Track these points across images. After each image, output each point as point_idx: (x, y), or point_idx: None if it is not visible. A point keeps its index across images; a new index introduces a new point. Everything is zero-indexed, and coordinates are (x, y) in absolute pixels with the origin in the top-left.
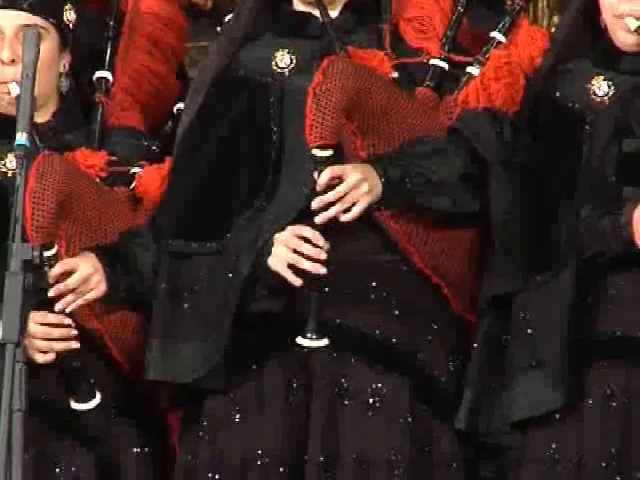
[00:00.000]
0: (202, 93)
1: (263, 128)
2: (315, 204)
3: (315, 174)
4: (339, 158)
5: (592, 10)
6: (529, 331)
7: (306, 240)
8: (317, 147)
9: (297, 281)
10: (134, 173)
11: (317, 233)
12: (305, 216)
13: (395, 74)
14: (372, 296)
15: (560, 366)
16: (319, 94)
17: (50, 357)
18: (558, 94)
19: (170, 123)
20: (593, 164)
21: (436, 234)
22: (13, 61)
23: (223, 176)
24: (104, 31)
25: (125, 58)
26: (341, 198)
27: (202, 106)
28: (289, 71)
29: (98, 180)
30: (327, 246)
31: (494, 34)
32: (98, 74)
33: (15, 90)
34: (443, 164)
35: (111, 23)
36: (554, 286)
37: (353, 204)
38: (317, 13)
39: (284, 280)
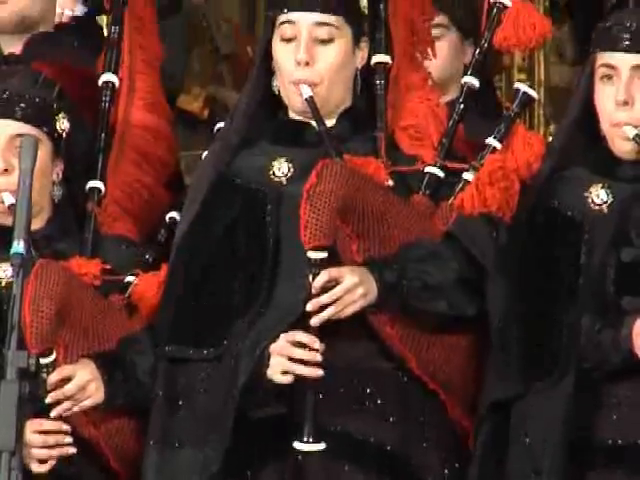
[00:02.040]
0: (198, 200)
1: (259, 234)
2: (310, 306)
3: (310, 276)
4: (334, 260)
5: (589, 118)
6: (527, 440)
7: (301, 344)
8: (312, 249)
9: (297, 385)
10: (128, 282)
11: (313, 337)
12: (302, 320)
13: (391, 182)
14: (367, 402)
15: (559, 475)
16: (313, 196)
17: (46, 467)
18: (556, 202)
19: (163, 232)
20: (591, 272)
21: (433, 339)
22: (6, 170)
23: (220, 281)
24: (96, 141)
25: (115, 170)
26: (336, 300)
27: (198, 213)
28: (286, 179)
29: (93, 289)
30: (322, 347)
31: (489, 140)
32: (90, 184)
33: (8, 200)
34: (439, 268)
35: (102, 135)
36: (553, 394)
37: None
38: (313, 122)
39: (283, 387)
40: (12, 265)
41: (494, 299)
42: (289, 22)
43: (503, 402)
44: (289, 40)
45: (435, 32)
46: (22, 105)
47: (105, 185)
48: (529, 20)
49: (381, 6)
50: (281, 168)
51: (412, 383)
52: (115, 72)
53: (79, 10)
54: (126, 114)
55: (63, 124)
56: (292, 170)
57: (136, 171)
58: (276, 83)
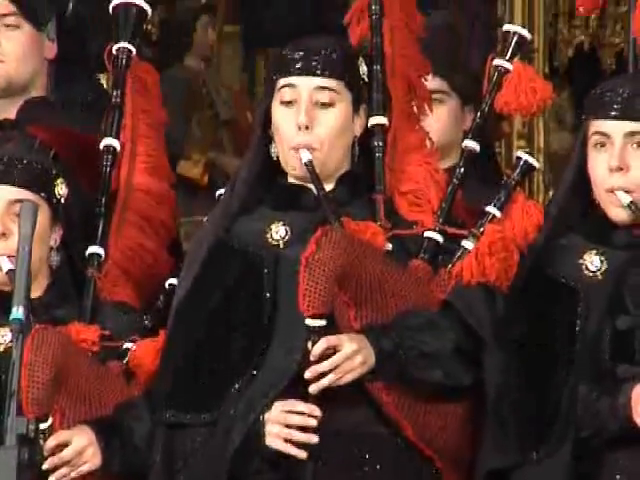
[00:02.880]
0: (197, 265)
1: (257, 298)
2: (309, 374)
3: (309, 344)
4: (332, 327)
5: (583, 185)
6: None
7: (300, 412)
8: (310, 317)
9: (302, 453)
10: (126, 348)
11: (312, 406)
12: (295, 383)
13: (389, 246)
14: (365, 468)
15: None
16: (312, 263)
17: None
18: (551, 270)
19: (162, 298)
20: (587, 340)
21: (429, 407)
22: (4, 235)
23: (217, 346)
24: (96, 207)
25: (117, 234)
26: (335, 368)
27: (197, 277)
28: (284, 243)
29: (90, 355)
30: (319, 414)
31: (489, 208)
32: (90, 249)
33: (6, 265)
34: (436, 337)
35: (102, 199)
36: (552, 463)
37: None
38: (312, 186)
39: (280, 454)
40: (11, 331)
41: (491, 369)
42: (290, 86)
43: (500, 471)
44: (289, 103)
45: (435, 97)
46: (21, 170)
47: (105, 250)
48: (530, 85)
49: (378, 67)
50: (278, 232)
51: (409, 449)
52: (116, 136)
53: None
54: (128, 178)
55: (62, 189)
56: (289, 234)
57: (138, 234)
58: (275, 149)
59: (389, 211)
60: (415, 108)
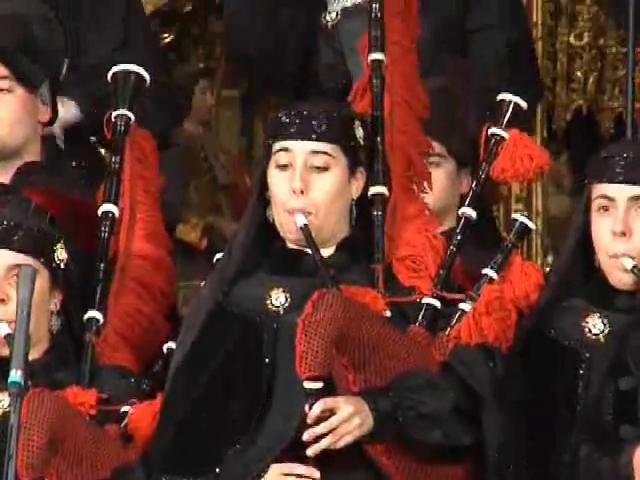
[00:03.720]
0: (195, 329)
1: (256, 362)
2: (307, 436)
3: (306, 406)
4: (330, 390)
5: (586, 249)
6: None
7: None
8: (308, 379)
9: None
10: (124, 412)
11: (310, 468)
12: (293, 448)
13: (388, 312)
14: None
15: None
16: (309, 326)
17: None
18: (553, 331)
19: (160, 362)
20: (589, 401)
21: (429, 469)
22: (2, 300)
23: (214, 410)
24: (95, 272)
25: (116, 300)
26: (332, 430)
27: (195, 341)
28: (283, 309)
29: (88, 418)
30: (318, 476)
31: (486, 271)
32: (89, 314)
33: (4, 330)
34: (435, 397)
35: (101, 265)
36: None
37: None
38: (309, 250)
39: None
40: (9, 395)
41: (491, 429)
42: (285, 150)
43: None
44: (284, 167)
45: (432, 161)
46: (20, 235)
47: (104, 315)
48: (526, 152)
49: (378, 139)
50: (278, 298)
51: None
52: (115, 202)
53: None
54: (127, 244)
55: (61, 254)
56: (289, 300)
57: (136, 301)
58: (271, 212)
59: (387, 277)
60: (414, 185)
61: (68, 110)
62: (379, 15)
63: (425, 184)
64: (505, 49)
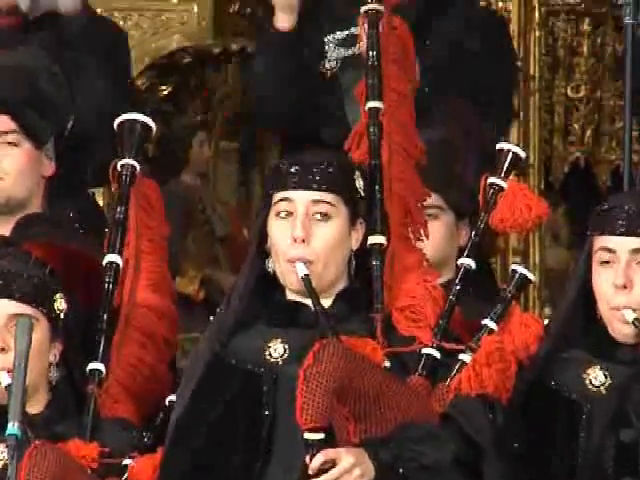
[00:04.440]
0: (195, 381)
1: (255, 415)
2: None
3: (307, 457)
4: (331, 440)
5: (587, 300)
6: None
7: None
8: (308, 430)
9: None
10: (126, 465)
11: None
12: None
13: (387, 363)
14: None
15: None
16: (309, 377)
17: None
18: (553, 382)
19: (162, 415)
20: (590, 453)
21: None
22: (3, 350)
23: (214, 462)
24: (97, 323)
25: (119, 351)
26: None
27: (195, 393)
28: (283, 360)
29: (90, 471)
30: None
31: (486, 321)
32: (91, 366)
33: (5, 380)
34: (436, 448)
35: (104, 316)
36: None
37: None
38: (309, 302)
39: None
40: (7, 446)
41: (491, 479)
42: (286, 199)
43: None
44: (285, 217)
45: (430, 213)
46: (20, 284)
47: (106, 366)
48: (525, 202)
49: (376, 187)
50: (277, 349)
51: None
52: (119, 253)
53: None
54: (131, 294)
55: (61, 304)
56: (288, 351)
57: (140, 351)
58: (271, 263)
59: (387, 327)
60: (411, 234)
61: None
62: (376, 63)
63: (422, 231)
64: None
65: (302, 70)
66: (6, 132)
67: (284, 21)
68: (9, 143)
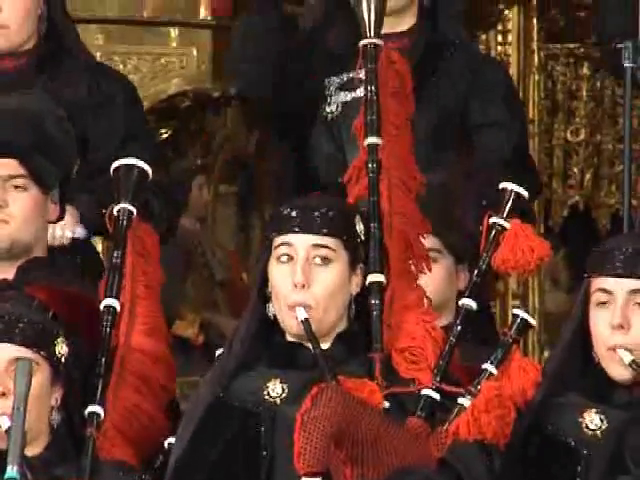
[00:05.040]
0: (195, 422)
1: (254, 456)
2: None
3: None
4: None
5: (583, 343)
6: None
7: None
8: (306, 475)
9: None
10: None
11: None
12: None
13: (386, 404)
14: None
15: None
16: (307, 421)
17: None
18: (550, 428)
19: (161, 457)
20: None
21: None
22: (4, 394)
23: None
24: (96, 366)
25: (116, 395)
26: None
27: (195, 434)
28: (281, 400)
29: None
30: None
31: (486, 366)
32: (90, 409)
33: (5, 424)
34: None
35: (102, 359)
36: None
37: None
38: (309, 344)
39: None
40: None
41: None
42: (286, 244)
43: None
44: (285, 261)
45: (430, 255)
46: (21, 328)
47: (104, 410)
48: (527, 243)
49: (375, 225)
50: (275, 389)
51: None
52: (117, 297)
53: (79, 233)
54: (127, 339)
55: (62, 348)
56: (286, 391)
57: (136, 396)
58: (272, 307)
59: (386, 368)
60: (413, 267)
61: (74, 229)
62: (374, 98)
63: (424, 265)
64: (509, 148)
65: (284, 25)
66: (15, 176)
67: None
68: (16, 187)
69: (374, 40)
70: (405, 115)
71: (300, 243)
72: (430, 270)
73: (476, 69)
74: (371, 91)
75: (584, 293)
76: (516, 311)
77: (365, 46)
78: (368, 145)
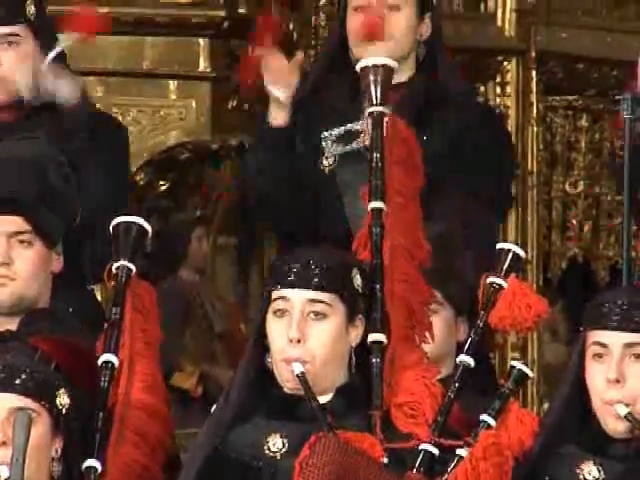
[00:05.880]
0: (193, 474)
1: None
2: None
3: None
4: None
5: (580, 395)
6: None
7: None
8: None
9: None
10: None
11: None
12: None
13: (385, 459)
14: None
15: None
16: (305, 469)
17: None
18: (547, 478)
19: None
20: None
21: None
22: (4, 443)
23: None
24: (94, 420)
25: (116, 451)
26: None
27: None
28: (281, 455)
29: None
30: None
31: (484, 417)
32: (88, 463)
33: (5, 473)
34: None
35: (100, 414)
36: None
37: None
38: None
39: None
40: None
41: None
42: (282, 298)
43: None
44: (281, 315)
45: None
46: (23, 378)
47: (102, 464)
48: (525, 301)
49: (377, 286)
50: (276, 444)
51: None
52: (115, 353)
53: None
54: (125, 395)
55: (63, 400)
56: (287, 445)
57: (134, 451)
58: (270, 359)
59: (385, 424)
60: (416, 336)
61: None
62: (380, 164)
63: (427, 334)
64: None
65: (299, 165)
66: (21, 232)
67: (277, 117)
68: (21, 242)
69: (380, 108)
70: (412, 184)
71: (296, 298)
72: (433, 339)
73: (469, 126)
74: (376, 158)
75: (580, 346)
76: (513, 363)
77: (371, 113)
78: (372, 209)
